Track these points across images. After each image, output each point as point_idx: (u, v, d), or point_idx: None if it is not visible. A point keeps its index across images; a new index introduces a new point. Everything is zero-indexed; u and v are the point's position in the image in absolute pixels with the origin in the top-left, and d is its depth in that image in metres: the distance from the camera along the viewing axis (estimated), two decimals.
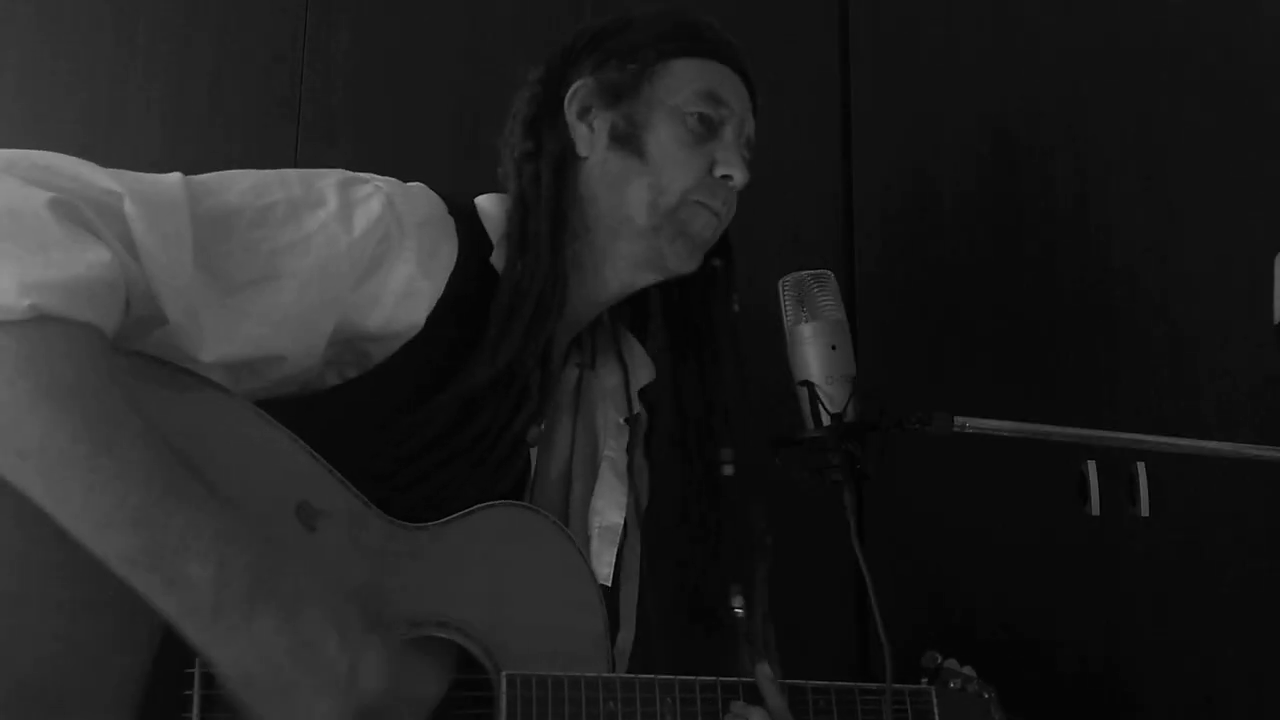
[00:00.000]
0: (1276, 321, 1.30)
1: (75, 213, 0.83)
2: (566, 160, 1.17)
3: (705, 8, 1.74)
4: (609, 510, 1.22)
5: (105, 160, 0.94)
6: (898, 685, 1.19)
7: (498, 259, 1.13)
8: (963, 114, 1.74)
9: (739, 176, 1.18)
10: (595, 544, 1.20)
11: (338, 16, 1.83)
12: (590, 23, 1.23)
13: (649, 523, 1.28)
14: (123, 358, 0.87)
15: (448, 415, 1.04)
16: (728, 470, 1.24)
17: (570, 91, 1.18)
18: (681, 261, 1.18)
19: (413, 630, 0.97)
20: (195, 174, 0.97)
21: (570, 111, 1.18)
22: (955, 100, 1.74)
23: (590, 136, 1.17)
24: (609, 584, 1.19)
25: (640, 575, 1.24)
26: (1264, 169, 1.66)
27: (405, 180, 1.10)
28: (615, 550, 1.21)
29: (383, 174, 1.09)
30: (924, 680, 1.25)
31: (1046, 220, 1.70)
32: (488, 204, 1.17)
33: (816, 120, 1.75)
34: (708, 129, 1.17)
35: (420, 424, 1.03)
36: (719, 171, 1.17)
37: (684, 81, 1.17)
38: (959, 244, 1.71)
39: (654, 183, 1.15)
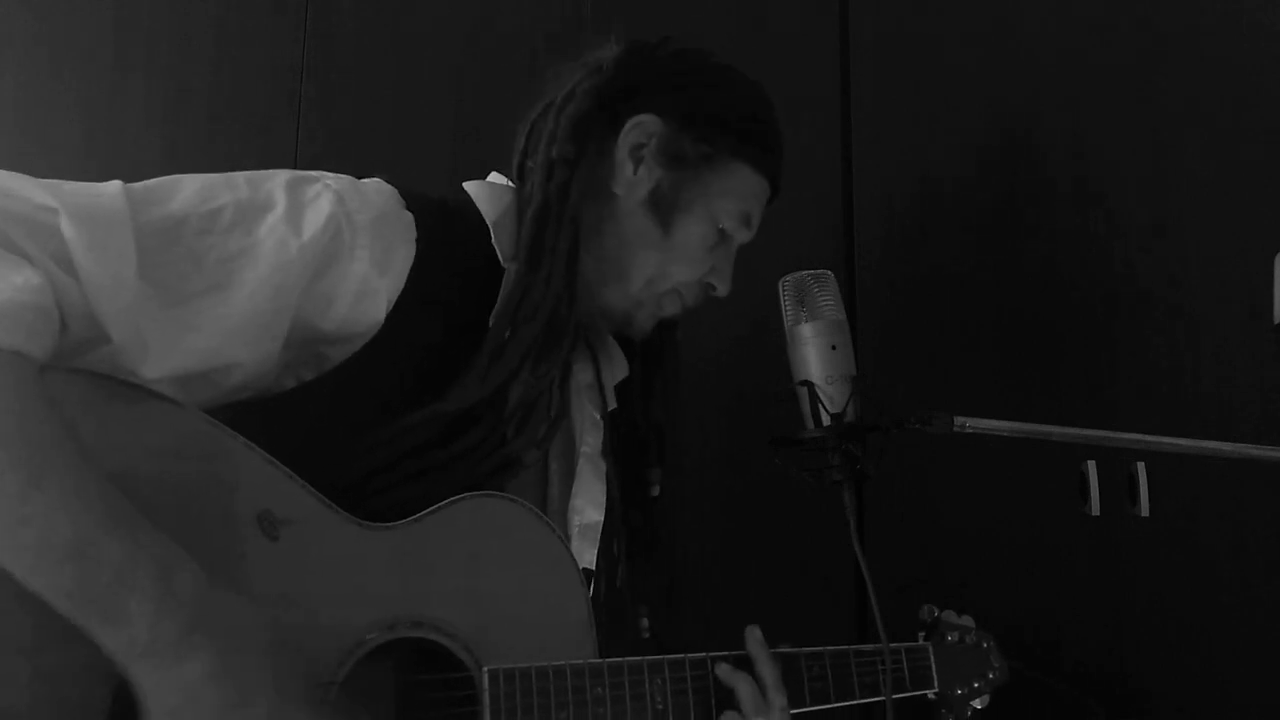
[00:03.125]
0: (1276, 321, 1.31)
1: (0, 235, 0.80)
2: (600, 184, 1.14)
3: (708, 7, 1.74)
4: (588, 508, 1.21)
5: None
6: (895, 644, 1.19)
7: (501, 244, 1.11)
8: (963, 114, 1.74)
9: (722, 291, 1.21)
10: (576, 542, 1.19)
11: (338, 16, 1.83)
12: (678, 44, 1.19)
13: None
14: (65, 375, 0.84)
15: (431, 430, 1.02)
16: (654, 491, 1.24)
17: (634, 121, 1.14)
18: (643, 333, 1.22)
19: (387, 634, 0.96)
20: (196, 174, 0.97)
21: (625, 139, 1.14)
22: (955, 100, 1.74)
23: (631, 180, 1.14)
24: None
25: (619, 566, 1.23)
26: (1264, 169, 1.66)
27: (405, 180, 1.10)
28: (596, 549, 1.20)
29: (383, 174, 1.09)
30: (921, 635, 1.25)
31: (1046, 220, 1.70)
32: (478, 190, 1.15)
33: (816, 120, 1.75)
34: (721, 240, 1.18)
35: (399, 435, 1.01)
36: (710, 280, 1.20)
37: (735, 193, 1.17)
38: (959, 244, 1.71)
39: (662, 262, 1.16)
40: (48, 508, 0.76)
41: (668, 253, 1.15)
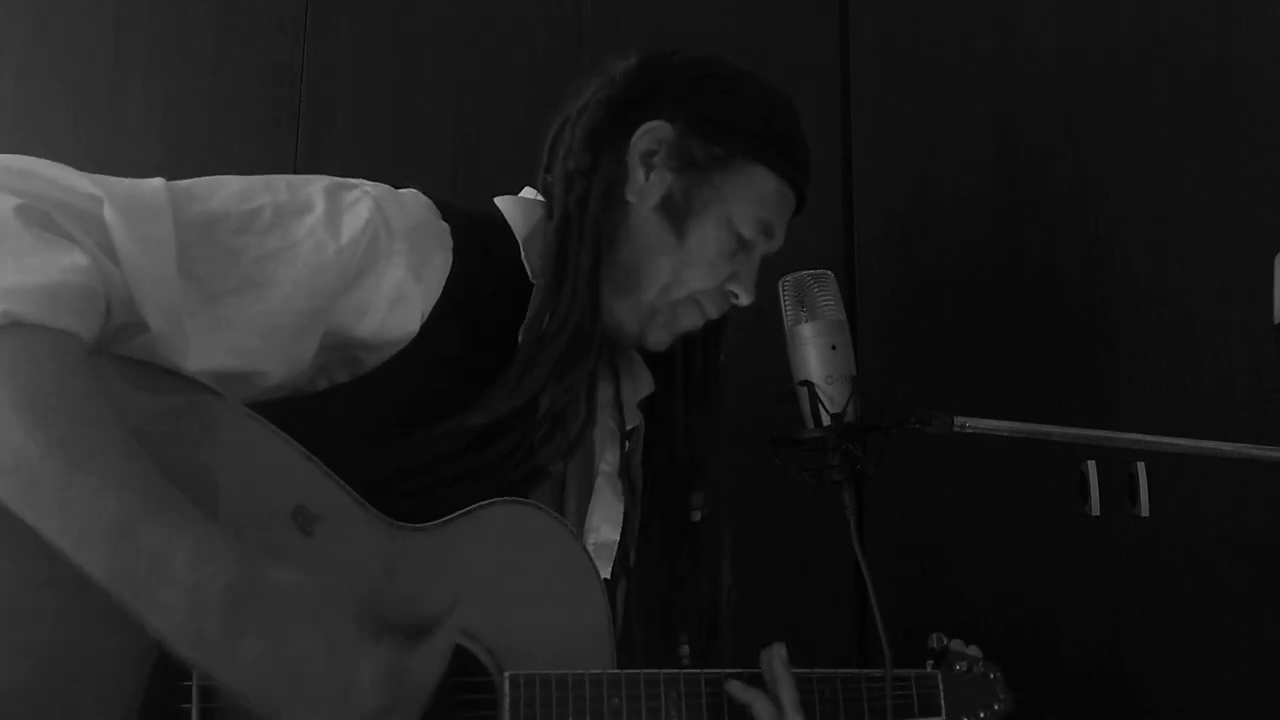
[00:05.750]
0: (1276, 321, 1.30)
1: (45, 219, 0.80)
2: (616, 193, 1.13)
3: (708, 7, 1.74)
4: (604, 527, 1.20)
5: (105, 161, 0.93)
6: (904, 670, 1.20)
7: (531, 259, 1.11)
8: (963, 114, 1.74)
9: (745, 300, 1.18)
10: None
11: (338, 17, 1.83)
12: (694, 51, 1.18)
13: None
14: (110, 361, 0.84)
15: (461, 440, 1.02)
16: (696, 517, 1.23)
17: (645, 128, 1.13)
18: (657, 346, 1.18)
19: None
20: (196, 176, 0.96)
21: (636, 146, 1.13)
22: (955, 100, 1.74)
23: (643, 185, 1.13)
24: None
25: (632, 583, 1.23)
26: (1264, 169, 1.66)
27: (404, 183, 1.10)
28: (611, 567, 1.20)
29: (383, 178, 1.08)
30: (930, 663, 1.25)
31: (1046, 220, 1.70)
32: (510, 205, 1.15)
33: (816, 120, 1.74)
34: (742, 247, 1.16)
35: (427, 443, 1.01)
36: (731, 288, 1.17)
37: (752, 197, 1.14)
38: (959, 244, 1.71)
39: (677, 269, 1.13)
40: (91, 489, 0.76)
41: (682, 258, 1.13)
